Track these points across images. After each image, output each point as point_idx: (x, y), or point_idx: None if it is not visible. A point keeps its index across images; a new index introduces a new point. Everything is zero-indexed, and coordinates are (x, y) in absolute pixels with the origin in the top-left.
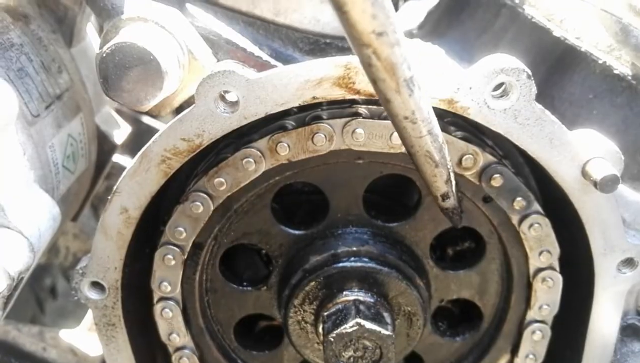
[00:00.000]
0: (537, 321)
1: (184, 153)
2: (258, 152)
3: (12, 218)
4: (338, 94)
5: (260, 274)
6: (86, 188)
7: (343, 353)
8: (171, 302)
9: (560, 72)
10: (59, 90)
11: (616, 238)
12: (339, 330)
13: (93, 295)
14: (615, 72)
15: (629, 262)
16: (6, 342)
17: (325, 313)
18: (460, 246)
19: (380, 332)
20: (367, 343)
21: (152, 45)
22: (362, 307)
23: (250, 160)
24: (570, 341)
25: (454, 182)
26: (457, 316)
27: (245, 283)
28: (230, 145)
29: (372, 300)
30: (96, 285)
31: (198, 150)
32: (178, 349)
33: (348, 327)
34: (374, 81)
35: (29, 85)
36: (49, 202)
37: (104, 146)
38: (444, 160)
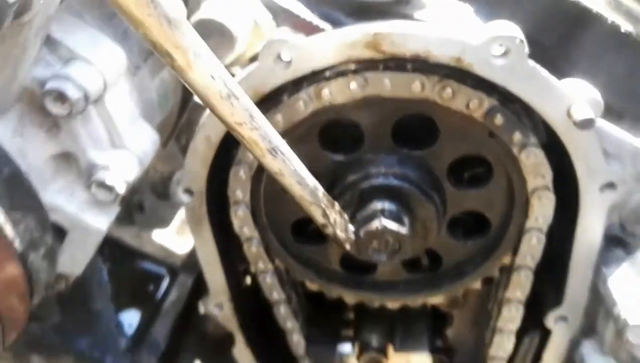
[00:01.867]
0: (534, 228)
1: (252, 99)
2: (307, 96)
3: (126, 142)
4: (368, 54)
5: None
6: (174, 121)
7: (370, 246)
8: (243, 205)
9: (574, 32)
10: None
11: (598, 165)
12: (366, 227)
13: (185, 198)
14: (622, 30)
15: (609, 185)
16: (111, 237)
17: (358, 217)
18: (473, 171)
19: (399, 231)
20: (389, 238)
21: (227, 20)
22: (386, 213)
23: (301, 102)
24: (563, 244)
25: (333, 216)
26: (470, 224)
27: None
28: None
29: (395, 208)
30: (187, 191)
31: (263, 96)
32: (248, 239)
33: (374, 225)
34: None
35: (131, 44)
36: (150, 131)
37: (185, 88)
38: (316, 199)
